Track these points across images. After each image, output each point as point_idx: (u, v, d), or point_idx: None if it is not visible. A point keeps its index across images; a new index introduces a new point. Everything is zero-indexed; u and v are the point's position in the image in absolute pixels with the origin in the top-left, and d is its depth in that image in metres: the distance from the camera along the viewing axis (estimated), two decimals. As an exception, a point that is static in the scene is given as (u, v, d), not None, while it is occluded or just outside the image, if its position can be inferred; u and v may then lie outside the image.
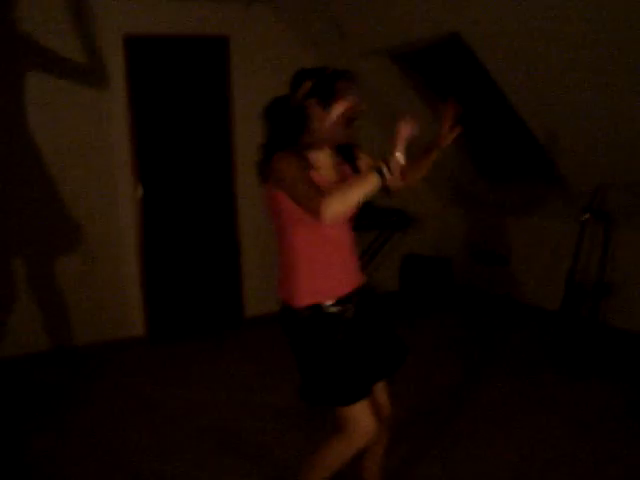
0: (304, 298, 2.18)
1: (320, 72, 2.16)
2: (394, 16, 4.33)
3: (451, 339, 5.03)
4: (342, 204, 1.97)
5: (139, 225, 5.03)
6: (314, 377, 2.21)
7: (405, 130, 1.97)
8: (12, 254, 4.60)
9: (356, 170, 2.29)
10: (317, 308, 2.18)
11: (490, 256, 5.58)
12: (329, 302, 2.18)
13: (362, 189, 1.98)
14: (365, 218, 5.20)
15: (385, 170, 1.95)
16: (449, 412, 3.73)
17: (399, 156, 1.96)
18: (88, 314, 4.89)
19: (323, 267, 2.20)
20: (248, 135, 5.22)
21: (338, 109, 2.12)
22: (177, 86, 5.08)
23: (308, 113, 2.14)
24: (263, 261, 5.36)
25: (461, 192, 5.82)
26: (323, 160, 2.23)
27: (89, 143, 4.79)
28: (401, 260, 5.97)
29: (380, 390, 2.38)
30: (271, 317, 5.26)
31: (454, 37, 4.10)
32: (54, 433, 3.62)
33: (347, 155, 2.32)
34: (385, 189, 2.19)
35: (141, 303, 5.13)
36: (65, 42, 4.58)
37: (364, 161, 2.35)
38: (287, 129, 2.17)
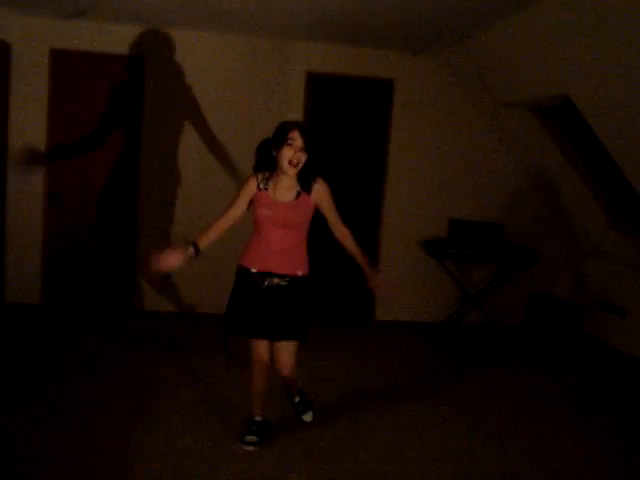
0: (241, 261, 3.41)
1: (282, 126, 3.23)
2: (517, 74, 4.98)
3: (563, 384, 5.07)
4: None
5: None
6: (231, 313, 3.40)
7: None
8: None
9: (308, 191, 3.33)
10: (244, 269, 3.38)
11: (610, 306, 5.78)
12: (253, 269, 3.34)
13: None
14: (494, 251, 5.86)
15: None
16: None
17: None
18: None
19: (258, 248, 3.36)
20: (400, 162, 6.16)
21: (282, 153, 3.17)
22: (345, 118, 6.13)
23: (274, 153, 3.24)
24: (400, 273, 6.23)
25: (590, 242, 6.09)
26: (283, 183, 3.28)
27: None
28: (529, 296, 6.40)
29: (282, 351, 3.42)
30: (399, 324, 5.93)
31: (565, 99, 4.63)
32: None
33: (306, 184, 3.31)
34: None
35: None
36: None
37: (318, 189, 3.34)
38: (262, 161, 3.34)
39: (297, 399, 3.74)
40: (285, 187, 3.28)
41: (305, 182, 3.29)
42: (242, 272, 3.37)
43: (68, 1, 5.02)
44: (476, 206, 6.28)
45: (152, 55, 5.77)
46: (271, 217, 3.26)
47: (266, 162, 3.30)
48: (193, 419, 3.84)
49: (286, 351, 3.42)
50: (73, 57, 5.71)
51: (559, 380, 5.16)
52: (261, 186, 3.28)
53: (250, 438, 3.54)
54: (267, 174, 3.30)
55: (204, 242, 3.23)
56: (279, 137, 3.18)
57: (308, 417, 3.79)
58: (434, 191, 6.27)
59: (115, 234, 5.98)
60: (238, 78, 5.91)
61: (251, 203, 3.31)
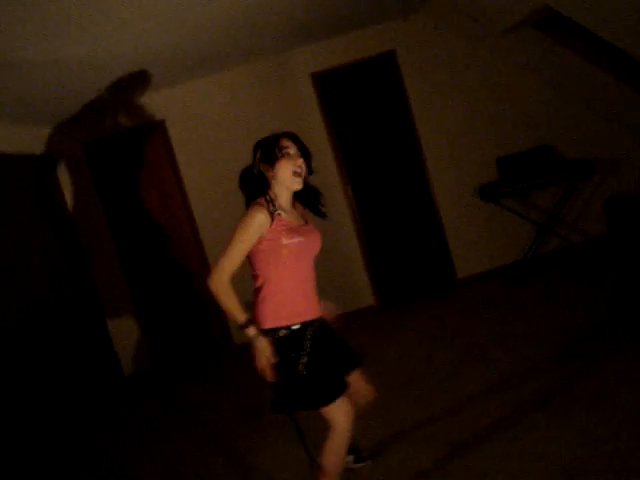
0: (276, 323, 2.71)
1: (264, 141, 2.74)
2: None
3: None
4: (220, 296, 2.58)
5: (356, 216, 6.30)
6: (289, 388, 2.68)
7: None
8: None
9: (318, 213, 2.85)
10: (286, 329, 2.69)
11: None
12: (295, 326, 2.69)
13: (229, 312, 2.60)
14: (548, 174, 5.77)
15: (248, 332, 2.58)
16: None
17: (264, 347, 2.57)
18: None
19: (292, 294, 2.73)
20: (429, 123, 6.19)
21: (281, 166, 2.67)
22: (362, 103, 6.26)
23: (265, 175, 2.72)
24: (465, 227, 6.27)
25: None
26: (287, 208, 2.74)
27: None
28: (604, 204, 6.22)
29: (360, 381, 2.91)
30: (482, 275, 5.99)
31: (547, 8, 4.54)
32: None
33: (309, 200, 2.85)
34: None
35: (368, 278, 6.41)
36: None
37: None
38: (253, 191, 2.75)
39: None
40: (290, 209, 2.78)
41: (314, 207, 2.86)
42: (289, 335, 2.69)
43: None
44: (519, 137, 6.18)
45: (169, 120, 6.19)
46: (303, 244, 2.68)
47: (255, 190, 2.74)
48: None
49: (363, 378, 2.93)
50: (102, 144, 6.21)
51: None
52: (274, 211, 2.65)
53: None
54: (268, 197, 2.69)
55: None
56: (269, 152, 2.69)
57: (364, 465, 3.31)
58: (473, 137, 6.24)
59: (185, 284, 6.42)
60: (250, 105, 6.16)
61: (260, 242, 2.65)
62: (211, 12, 4.25)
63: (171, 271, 6.33)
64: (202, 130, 6.18)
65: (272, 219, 2.61)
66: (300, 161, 2.71)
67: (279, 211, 2.66)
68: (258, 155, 2.75)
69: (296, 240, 2.63)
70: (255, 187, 2.74)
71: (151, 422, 5.08)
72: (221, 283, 2.57)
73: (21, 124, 5.61)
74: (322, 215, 2.86)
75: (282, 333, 2.66)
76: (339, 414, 2.68)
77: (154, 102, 6.09)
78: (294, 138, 2.75)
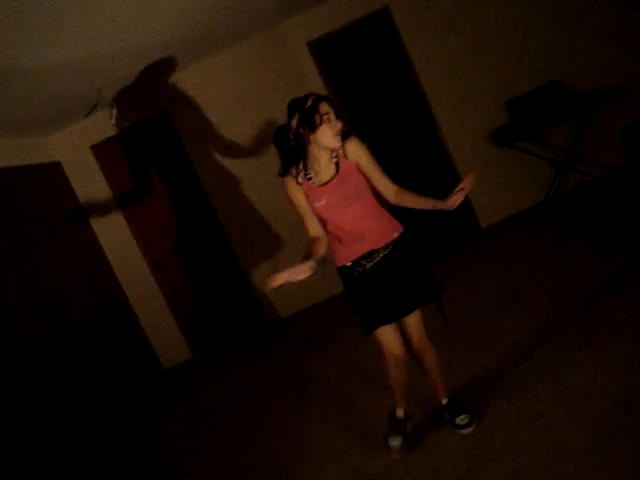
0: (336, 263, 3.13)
1: (301, 105, 2.85)
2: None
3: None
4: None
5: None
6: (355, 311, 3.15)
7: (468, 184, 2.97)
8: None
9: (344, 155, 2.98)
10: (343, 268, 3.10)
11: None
12: (348, 263, 3.05)
13: None
14: (559, 110, 5.66)
15: None
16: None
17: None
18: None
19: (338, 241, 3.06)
20: (434, 77, 6.09)
21: (323, 131, 2.83)
22: (363, 63, 6.17)
23: (303, 138, 2.87)
24: (483, 175, 6.19)
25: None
26: (322, 161, 2.93)
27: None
28: (620, 133, 6.09)
29: (408, 325, 3.12)
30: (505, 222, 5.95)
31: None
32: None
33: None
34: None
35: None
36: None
37: (353, 151, 2.97)
38: (290, 153, 2.95)
39: (445, 400, 3.32)
40: (325, 164, 2.95)
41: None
42: (343, 272, 3.09)
43: (81, 104, 5.48)
44: (525, 77, 6.03)
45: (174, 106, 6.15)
46: (327, 204, 2.95)
47: (291, 152, 2.94)
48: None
49: (412, 323, 3.12)
50: (110, 143, 6.20)
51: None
52: (300, 180, 2.96)
53: (393, 442, 3.28)
54: (300, 164, 2.95)
55: (314, 255, 2.86)
56: (310, 118, 2.81)
57: (464, 420, 3.21)
58: (478, 83, 6.11)
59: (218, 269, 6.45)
60: (253, 83, 6.09)
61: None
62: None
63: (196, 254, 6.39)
64: (207, 116, 6.14)
65: (301, 186, 2.96)
66: (340, 124, 2.87)
67: (307, 177, 2.95)
68: (296, 119, 2.87)
69: (321, 203, 2.95)
70: (291, 151, 2.94)
71: (199, 412, 5.16)
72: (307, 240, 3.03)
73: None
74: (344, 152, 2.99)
75: (339, 271, 3.11)
76: (380, 345, 3.13)
77: (158, 94, 6.08)
78: (331, 101, 2.91)
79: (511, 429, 3.02)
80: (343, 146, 2.94)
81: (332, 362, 4.88)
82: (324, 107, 2.85)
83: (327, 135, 2.85)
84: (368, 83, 6.20)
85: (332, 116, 2.85)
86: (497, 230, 6.24)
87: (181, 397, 5.72)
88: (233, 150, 6.14)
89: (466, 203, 6.24)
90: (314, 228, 3.02)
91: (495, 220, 6.31)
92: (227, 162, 6.18)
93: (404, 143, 6.30)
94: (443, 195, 2.98)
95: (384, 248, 3.02)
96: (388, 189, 3.06)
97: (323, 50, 6.11)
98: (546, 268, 4.79)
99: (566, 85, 6.00)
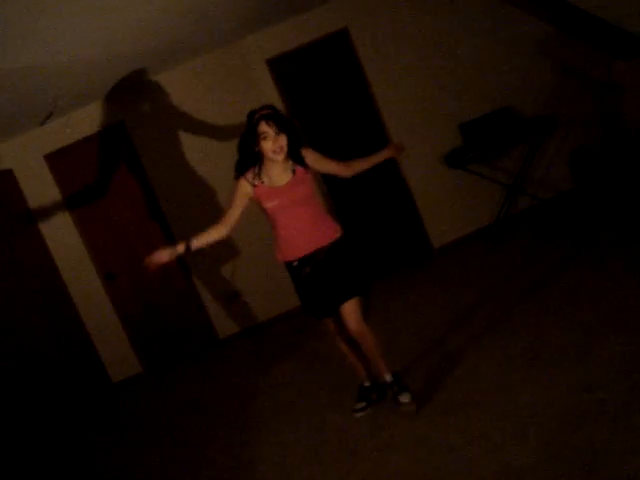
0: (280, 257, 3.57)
1: (251, 119, 3.26)
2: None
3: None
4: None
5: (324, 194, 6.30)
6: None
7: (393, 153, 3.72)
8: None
9: (298, 161, 3.38)
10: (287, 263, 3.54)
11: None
12: (294, 262, 3.48)
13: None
14: (511, 134, 5.83)
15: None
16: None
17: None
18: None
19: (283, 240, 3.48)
20: (388, 97, 6.22)
21: (262, 147, 3.25)
22: (320, 82, 6.23)
23: (256, 148, 3.31)
24: (436, 196, 6.33)
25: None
26: (276, 169, 3.34)
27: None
28: (569, 158, 6.29)
29: (345, 315, 3.45)
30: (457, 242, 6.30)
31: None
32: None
33: (298, 159, 3.36)
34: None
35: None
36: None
37: (309, 157, 3.39)
38: (250, 158, 3.37)
39: (388, 377, 3.60)
40: (279, 171, 3.33)
41: (297, 157, 3.35)
42: (291, 268, 3.49)
43: (36, 112, 5.41)
44: (479, 101, 6.19)
45: (130, 115, 6.10)
46: (280, 204, 3.31)
47: (250, 157, 3.34)
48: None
49: (348, 313, 3.42)
50: (65, 152, 6.10)
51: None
52: (256, 182, 3.34)
53: (358, 405, 3.71)
54: (257, 168, 3.34)
55: (198, 241, 3.39)
56: (252, 134, 3.24)
57: (406, 397, 3.51)
58: (433, 106, 6.25)
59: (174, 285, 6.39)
60: (210, 96, 6.10)
61: (257, 203, 3.41)
62: (152, 10, 4.16)
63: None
64: (165, 127, 6.13)
65: (255, 187, 3.34)
66: (279, 140, 3.22)
67: (261, 181, 3.34)
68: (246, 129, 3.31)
69: (273, 203, 3.31)
70: (247, 155, 3.34)
71: (143, 424, 5.11)
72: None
73: None
74: (301, 162, 3.37)
75: (289, 266, 3.50)
76: (324, 324, 3.68)
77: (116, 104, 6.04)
78: (273, 119, 3.21)
79: (457, 446, 3.08)
80: (300, 156, 3.35)
81: (282, 377, 4.89)
82: (262, 127, 3.21)
83: (266, 150, 3.24)
84: (325, 100, 6.26)
85: (270, 135, 3.20)
86: (449, 250, 6.35)
87: (127, 411, 5.64)
88: (189, 160, 6.14)
89: (418, 223, 6.37)
90: (226, 221, 3.42)
91: (447, 241, 6.42)
92: (182, 172, 6.16)
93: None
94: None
95: (326, 247, 3.41)
96: (342, 169, 3.61)
97: (282, 67, 6.16)
98: (494, 288, 4.90)
99: (518, 111, 6.18)
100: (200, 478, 3.79)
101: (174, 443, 4.46)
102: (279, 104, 6.05)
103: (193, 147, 6.13)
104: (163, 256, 3.33)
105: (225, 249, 6.13)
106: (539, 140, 6.02)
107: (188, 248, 3.37)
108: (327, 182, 6.14)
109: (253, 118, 3.23)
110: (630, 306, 3.69)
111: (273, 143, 3.20)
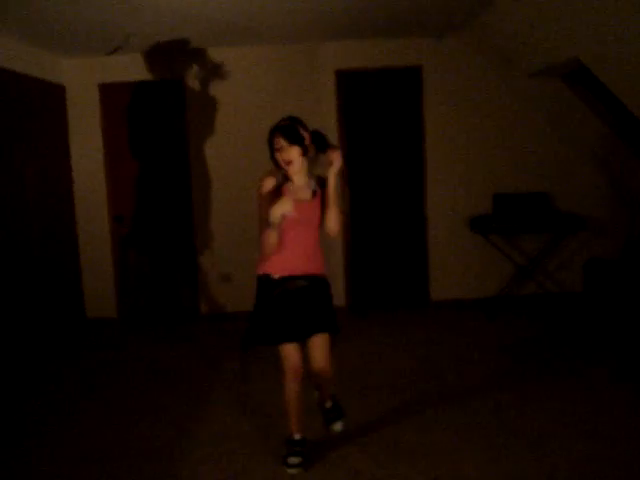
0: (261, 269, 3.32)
1: (269, 132, 3.24)
2: (530, 43, 5.05)
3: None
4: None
5: (346, 216, 6.35)
6: (256, 324, 3.32)
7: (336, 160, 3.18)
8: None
9: (323, 187, 3.28)
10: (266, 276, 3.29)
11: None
12: (275, 275, 3.25)
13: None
14: (539, 221, 5.90)
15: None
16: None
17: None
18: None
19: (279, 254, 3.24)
20: (437, 145, 6.30)
21: (277, 158, 3.20)
22: (378, 110, 6.34)
23: None
24: (450, 252, 6.41)
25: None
26: (298, 183, 3.25)
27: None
28: (584, 263, 6.35)
29: (315, 347, 3.29)
30: (453, 303, 6.18)
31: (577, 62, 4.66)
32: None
33: (322, 181, 3.30)
34: None
35: (343, 280, 6.48)
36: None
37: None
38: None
39: (329, 404, 3.53)
40: (301, 184, 3.26)
41: (321, 179, 3.29)
42: (264, 280, 3.29)
43: (107, 41, 5.54)
44: (520, 178, 6.30)
45: (190, 76, 6.20)
46: (293, 219, 3.14)
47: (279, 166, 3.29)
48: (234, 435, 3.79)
49: (320, 346, 3.30)
50: (118, 89, 6.23)
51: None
52: (285, 183, 3.27)
53: (292, 460, 3.30)
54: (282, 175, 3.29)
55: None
56: (270, 145, 3.25)
57: (338, 426, 3.49)
58: (475, 169, 6.34)
59: (175, 245, 6.49)
60: (271, 86, 6.22)
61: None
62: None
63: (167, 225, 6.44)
64: (219, 98, 6.24)
65: (279, 190, 3.21)
66: (287, 153, 3.17)
67: (287, 184, 3.24)
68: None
69: (288, 216, 3.10)
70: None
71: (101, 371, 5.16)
72: None
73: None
74: (323, 184, 3.28)
75: (260, 277, 3.30)
76: (284, 357, 3.26)
77: (181, 60, 6.16)
78: (284, 132, 3.18)
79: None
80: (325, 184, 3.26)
81: (257, 363, 4.94)
82: (276, 138, 3.20)
83: (279, 162, 3.21)
84: (377, 128, 6.35)
85: (283, 145, 3.17)
86: (443, 307, 6.40)
87: (97, 349, 5.73)
88: (229, 136, 6.24)
89: (423, 271, 6.43)
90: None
91: (445, 297, 6.48)
92: (222, 150, 6.27)
93: (389, 193, 6.45)
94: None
95: (313, 278, 3.31)
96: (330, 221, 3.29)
97: (348, 82, 6.27)
98: (472, 359, 4.92)
99: (553, 199, 6.26)
100: (136, 434, 3.83)
101: (123, 393, 4.51)
102: (334, 115, 6.20)
103: (237, 123, 6.23)
104: (269, 184, 3.21)
105: (234, 238, 6.24)
106: (563, 235, 6.09)
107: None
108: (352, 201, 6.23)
109: (271, 131, 3.25)
110: (595, 414, 3.72)
111: (281, 155, 3.19)
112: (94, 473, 3.33)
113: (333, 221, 3.25)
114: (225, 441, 3.67)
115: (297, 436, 3.36)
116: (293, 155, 3.18)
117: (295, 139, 3.17)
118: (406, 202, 6.42)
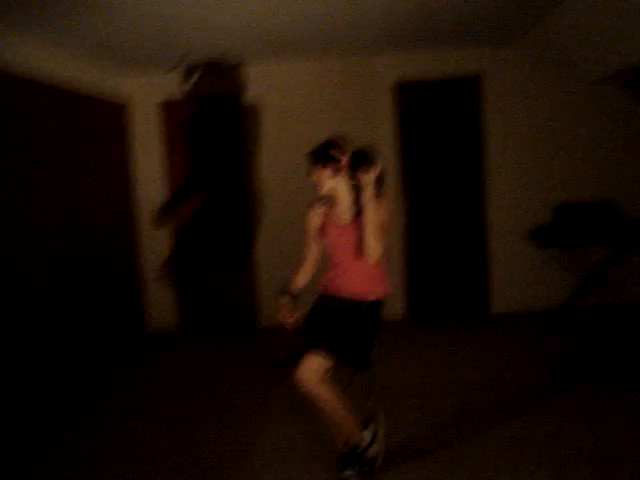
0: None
1: None
2: (594, 49, 4.91)
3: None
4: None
5: (406, 228, 6.37)
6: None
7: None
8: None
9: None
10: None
11: None
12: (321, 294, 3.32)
13: None
14: (604, 232, 5.73)
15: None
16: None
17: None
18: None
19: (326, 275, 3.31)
20: (498, 154, 6.22)
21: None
22: (438, 121, 6.29)
23: None
24: (511, 264, 6.28)
25: None
26: (339, 206, 3.21)
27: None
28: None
29: (306, 358, 3.10)
30: (512, 316, 6.04)
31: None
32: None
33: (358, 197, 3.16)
34: None
35: (404, 291, 6.45)
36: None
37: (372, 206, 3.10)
38: None
39: (345, 449, 3.27)
40: (343, 208, 3.21)
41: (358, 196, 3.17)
42: (319, 298, 3.36)
43: (167, 60, 5.68)
44: (583, 188, 6.17)
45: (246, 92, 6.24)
46: (332, 243, 3.24)
47: None
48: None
49: (308, 360, 3.10)
50: (178, 106, 6.34)
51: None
52: (320, 211, 3.32)
53: (348, 473, 3.20)
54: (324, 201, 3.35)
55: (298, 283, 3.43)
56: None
57: (348, 474, 3.21)
58: (537, 178, 6.25)
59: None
60: (328, 101, 6.25)
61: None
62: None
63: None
64: (277, 112, 6.31)
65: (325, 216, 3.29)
66: (315, 176, 3.15)
67: (328, 209, 3.27)
68: None
69: (328, 239, 3.25)
70: None
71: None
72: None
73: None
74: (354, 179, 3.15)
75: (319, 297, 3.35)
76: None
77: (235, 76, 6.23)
78: (311, 155, 3.17)
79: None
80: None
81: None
82: (310, 162, 3.18)
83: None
84: (436, 140, 6.30)
85: (311, 169, 3.17)
86: (503, 320, 6.29)
87: (155, 363, 5.81)
88: (287, 156, 6.28)
89: (484, 284, 6.32)
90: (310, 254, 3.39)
91: (505, 311, 6.38)
92: (281, 165, 6.33)
93: (449, 205, 6.38)
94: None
95: (349, 302, 3.21)
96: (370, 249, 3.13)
97: (407, 94, 6.24)
98: (529, 372, 4.79)
99: (620, 207, 6.08)
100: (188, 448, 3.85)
101: (183, 406, 4.53)
102: (390, 128, 6.19)
103: (294, 139, 6.27)
104: (287, 316, 3.31)
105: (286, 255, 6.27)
106: (630, 246, 5.89)
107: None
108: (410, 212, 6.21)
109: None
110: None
111: (312, 177, 3.18)
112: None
113: (370, 247, 3.06)
114: (283, 451, 3.69)
115: (346, 449, 3.26)
116: (319, 178, 3.15)
117: (321, 161, 3.12)
118: (467, 213, 6.34)
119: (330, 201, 3.23)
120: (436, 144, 6.31)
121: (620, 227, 5.85)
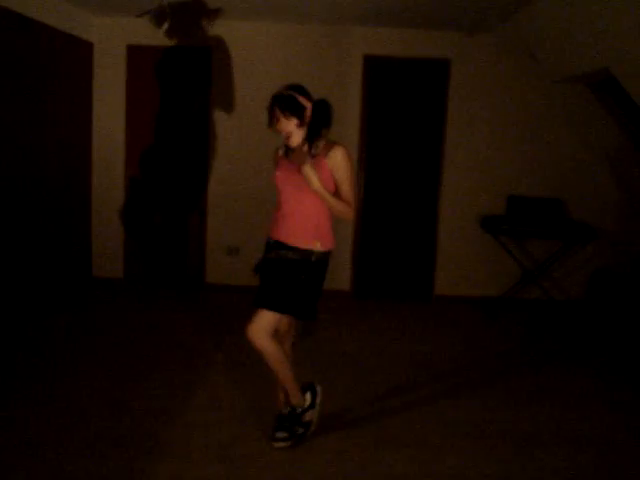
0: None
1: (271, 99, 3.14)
2: (562, 50, 5.01)
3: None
4: None
5: (359, 201, 6.40)
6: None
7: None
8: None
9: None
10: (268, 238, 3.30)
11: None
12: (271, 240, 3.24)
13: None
14: (550, 228, 5.89)
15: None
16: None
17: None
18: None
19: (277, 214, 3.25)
20: (457, 140, 6.30)
21: (276, 127, 3.12)
22: (402, 99, 6.32)
23: None
24: (458, 250, 6.43)
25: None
26: (298, 151, 3.17)
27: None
28: (591, 274, 6.36)
29: (256, 315, 3.09)
30: (455, 299, 6.16)
31: (607, 72, 4.63)
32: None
33: (311, 141, 3.13)
34: None
35: (350, 265, 6.53)
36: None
37: (332, 157, 3.07)
38: None
39: (285, 411, 3.33)
40: (301, 153, 3.15)
41: (310, 141, 3.13)
42: (266, 244, 3.31)
43: (141, 2, 5.52)
44: (535, 182, 6.30)
45: (217, 46, 6.20)
46: (281, 176, 3.16)
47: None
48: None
49: (257, 316, 3.09)
50: (146, 52, 6.22)
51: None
52: (280, 152, 3.28)
53: (280, 434, 3.27)
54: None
55: None
56: (268, 114, 3.15)
57: (277, 443, 3.25)
58: (492, 168, 6.34)
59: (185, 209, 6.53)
60: (296, 65, 6.21)
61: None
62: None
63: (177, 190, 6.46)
64: (245, 70, 6.24)
65: (278, 156, 3.30)
66: (281, 126, 3.09)
67: (285, 153, 3.26)
68: None
69: (278, 172, 3.19)
70: None
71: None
72: None
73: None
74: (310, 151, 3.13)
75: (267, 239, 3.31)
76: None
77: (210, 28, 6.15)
78: (278, 101, 3.09)
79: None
80: (315, 142, 3.11)
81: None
82: (273, 108, 3.10)
83: (278, 132, 3.14)
84: (399, 118, 6.33)
85: (278, 116, 3.08)
86: (445, 302, 6.44)
87: (101, 308, 5.79)
88: (250, 114, 6.24)
89: (430, 265, 6.45)
90: None
91: (448, 293, 6.51)
92: (240, 123, 6.29)
93: (404, 183, 6.44)
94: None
95: (290, 248, 3.13)
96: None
97: (376, 67, 6.25)
98: (465, 356, 4.95)
99: (567, 207, 6.26)
100: (129, 395, 3.89)
101: (124, 354, 4.57)
102: (357, 99, 6.21)
103: (258, 98, 6.05)
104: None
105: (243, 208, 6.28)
106: (573, 244, 6.09)
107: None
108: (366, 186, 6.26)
109: (272, 96, 3.13)
110: (583, 421, 3.75)
111: (276, 126, 3.10)
112: (82, 429, 3.37)
113: (341, 213, 3.13)
114: (217, 410, 3.72)
115: (284, 410, 3.34)
116: (289, 128, 3.08)
117: (292, 110, 3.05)
118: (421, 194, 6.41)
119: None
120: (399, 123, 6.34)
121: (566, 225, 6.02)
